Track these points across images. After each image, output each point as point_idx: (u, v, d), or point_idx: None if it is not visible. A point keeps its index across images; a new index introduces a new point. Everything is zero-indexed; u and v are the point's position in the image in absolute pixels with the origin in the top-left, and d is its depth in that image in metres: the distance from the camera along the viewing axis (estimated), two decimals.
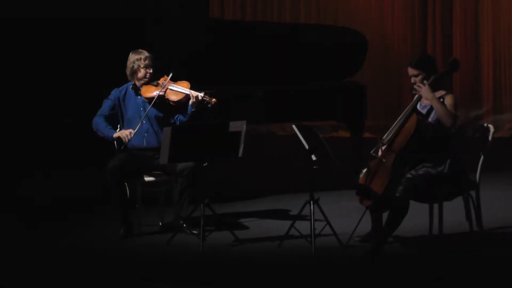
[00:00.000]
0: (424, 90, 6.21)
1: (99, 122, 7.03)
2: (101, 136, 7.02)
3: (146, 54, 7.03)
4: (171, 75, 6.97)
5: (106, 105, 7.07)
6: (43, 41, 10.87)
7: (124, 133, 6.92)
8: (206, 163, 6.69)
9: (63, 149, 10.47)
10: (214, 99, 6.91)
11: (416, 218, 6.50)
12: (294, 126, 6.46)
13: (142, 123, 6.90)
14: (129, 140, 6.88)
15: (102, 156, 7.15)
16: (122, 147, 6.92)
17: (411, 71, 6.33)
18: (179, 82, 7.04)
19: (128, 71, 7.07)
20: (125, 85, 7.11)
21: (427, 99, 6.21)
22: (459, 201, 6.33)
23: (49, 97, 8.84)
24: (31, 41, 10.80)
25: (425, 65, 6.31)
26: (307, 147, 6.38)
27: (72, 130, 10.95)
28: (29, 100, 9.28)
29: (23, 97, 9.34)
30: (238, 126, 6.47)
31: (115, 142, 7.06)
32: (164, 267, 6.11)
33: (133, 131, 6.89)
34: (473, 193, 6.33)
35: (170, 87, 6.98)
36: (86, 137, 10.39)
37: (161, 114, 6.99)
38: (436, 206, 6.34)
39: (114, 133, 6.98)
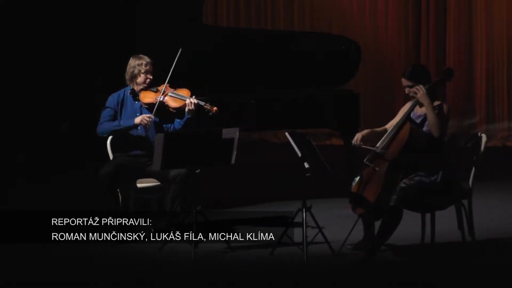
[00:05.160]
0: (421, 94, 6.22)
1: (107, 125, 6.97)
2: (116, 133, 6.94)
3: (147, 59, 7.02)
4: (167, 81, 6.96)
5: (106, 114, 7.01)
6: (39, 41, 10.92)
7: (145, 119, 6.88)
8: (199, 170, 6.68)
9: (56, 155, 10.53)
10: (215, 108, 6.90)
11: (409, 227, 6.50)
12: (287, 134, 6.46)
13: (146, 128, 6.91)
14: (149, 126, 6.86)
15: (95, 162, 7.15)
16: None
17: (404, 82, 6.34)
18: (179, 89, 7.02)
19: (127, 76, 7.04)
20: (122, 90, 7.09)
21: (422, 103, 6.21)
22: (451, 210, 6.33)
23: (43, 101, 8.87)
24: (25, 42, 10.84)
25: (419, 76, 6.31)
26: (300, 154, 6.38)
27: (67, 136, 11.04)
28: (23, 104, 9.30)
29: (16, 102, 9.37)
30: (231, 133, 6.46)
31: (108, 148, 7.07)
32: (156, 274, 6.09)
33: (152, 115, 6.87)
34: (465, 202, 6.33)
35: (170, 94, 6.96)
36: (79, 143, 10.46)
37: (157, 120, 6.97)
38: (428, 215, 6.35)
39: (133, 121, 6.93)
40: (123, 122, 6.95)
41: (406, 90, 6.35)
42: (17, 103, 10.77)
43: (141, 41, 10.40)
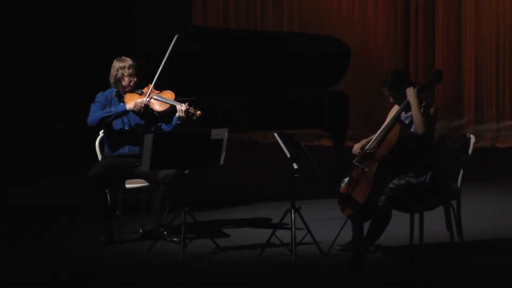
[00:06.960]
0: (409, 92, 6.22)
1: (98, 113, 6.86)
2: (109, 120, 6.84)
3: (130, 62, 6.98)
4: (154, 82, 6.94)
5: (96, 107, 6.93)
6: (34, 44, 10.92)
7: (138, 104, 6.84)
8: (188, 171, 6.67)
9: (45, 156, 10.53)
10: (198, 111, 6.84)
11: (397, 228, 6.51)
12: (275, 134, 6.45)
13: (125, 129, 6.89)
14: (141, 109, 6.83)
15: (84, 163, 7.14)
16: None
17: (386, 92, 6.36)
18: (163, 92, 6.99)
19: (112, 79, 7.01)
20: (108, 90, 7.06)
21: (410, 100, 6.22)
22: (440, 211, 6.34)
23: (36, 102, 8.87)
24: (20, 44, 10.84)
25: (399, 86, 6.30)
26: (288, 155, 6.37)
27: (57, 136, 11.04)
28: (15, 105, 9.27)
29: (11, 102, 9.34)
30: (220, 133, 6.46)
31: (97, 149, 7.07)
32: (144, 275, 6.08)
33: (144, 100, 6.84)
34: (454, 203, 6.35)
35: (154, 97, 6.92)
36: (69, 144, 10.46)
37: (143, 122, 6.96)
38: (417, 215, 6.35)
39: (125, 106, 6.85)
40: (114, 109, 6.89)
41: (390, 98, 6.37)
42: (17, 101, 10.80)
43: (140, 42, 10.39)
